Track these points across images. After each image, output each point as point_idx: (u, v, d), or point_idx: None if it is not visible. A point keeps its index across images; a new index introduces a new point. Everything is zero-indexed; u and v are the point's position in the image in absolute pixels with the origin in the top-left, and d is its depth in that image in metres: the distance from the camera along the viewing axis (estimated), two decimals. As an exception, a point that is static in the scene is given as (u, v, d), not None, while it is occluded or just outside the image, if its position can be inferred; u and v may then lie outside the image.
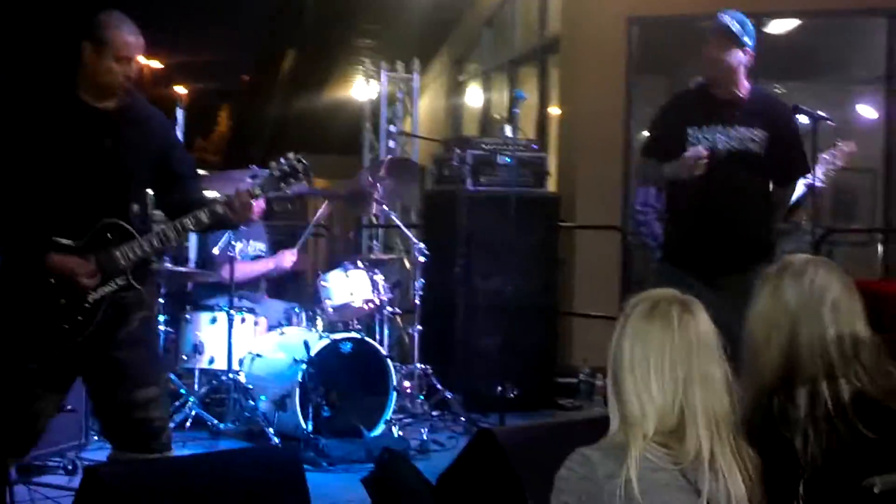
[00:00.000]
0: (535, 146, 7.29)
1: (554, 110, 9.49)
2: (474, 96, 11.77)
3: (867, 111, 9.20)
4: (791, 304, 2.38)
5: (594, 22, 8.60)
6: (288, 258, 6.45)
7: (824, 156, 4.64)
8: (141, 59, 3.61)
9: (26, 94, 3.58)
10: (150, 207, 3.84)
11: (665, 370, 2.14)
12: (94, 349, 3.56)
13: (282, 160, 3.71)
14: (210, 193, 3.92)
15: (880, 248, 8.12)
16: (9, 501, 3.85)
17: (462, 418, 6.20)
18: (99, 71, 3.49)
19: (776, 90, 9.53)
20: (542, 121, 9.38)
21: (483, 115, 11.35)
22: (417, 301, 6.38)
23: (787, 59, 9.18)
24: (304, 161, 3.73)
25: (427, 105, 9.96)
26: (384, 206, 6.63)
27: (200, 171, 7.51)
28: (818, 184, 4.56)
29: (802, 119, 4.75)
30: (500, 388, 6.15)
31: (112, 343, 3.58)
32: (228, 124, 22.18)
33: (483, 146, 6.90)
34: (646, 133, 9.52)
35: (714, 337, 2.20)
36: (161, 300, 5.96)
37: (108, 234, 3.52)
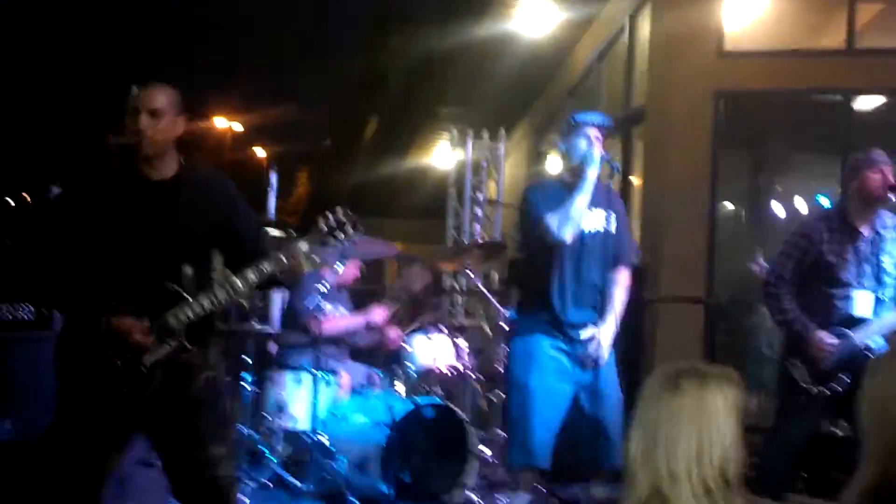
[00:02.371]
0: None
1: (635, 180, 9.48)
2: (555, 165, 11.81)
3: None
4: None
5: (680, 95, 8.60)
6: (379, 313, 6.49)
7: None
8: (223, 122, 3.73)
9: (78, 188, 3.72)
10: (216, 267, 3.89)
11: (679, 439, 2.26)
12: (160, 411, 3.62)
13: (328, 214, 3.76)
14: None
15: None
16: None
17: (542, 488, 6.11)
18: (133, 129, 3.60)
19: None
20: (626, 191, 9.36)
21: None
22: (501, 368, 6.34)
23: (875, 136, 9.10)
24: (350, 215, 3.77)
25: (508, 173, 10.00)
26: (470, 273, 6.65)
27: (277, 232, 7.65)
28: None
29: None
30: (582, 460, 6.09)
31: (178, 404, 3.65)
32: (307, 187, 22.49)
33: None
34: (730, 207, 9.54)
35: (729, 409, 2.29)
36: (246, 359, 6.02)
37: (161, 298, 3.60)
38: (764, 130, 9.63)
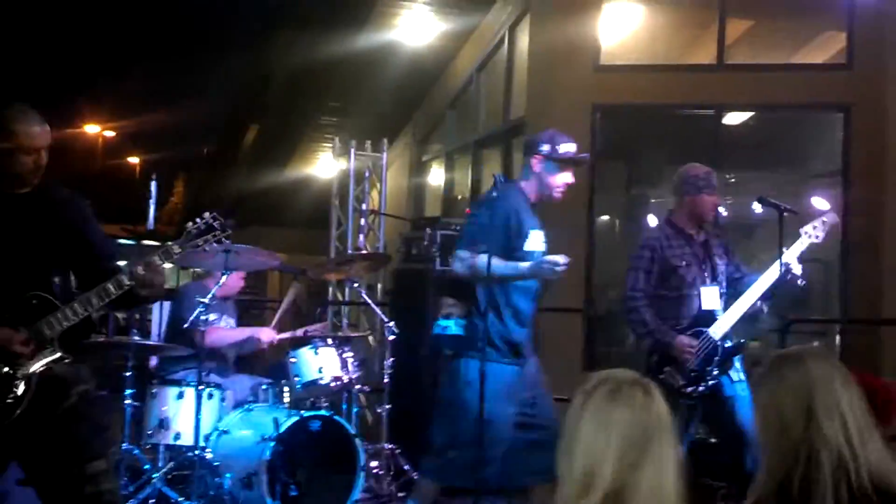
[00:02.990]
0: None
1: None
2: (436, 176, 11.91)
3: (822, 203, 9.44)
4: (802, 393, 2.45)
5: (558, 107, 8.78)
6: (266, 334, 6.45)
7: (805, 230, 4.86)
8: (94, 128, 3.75)
9: None
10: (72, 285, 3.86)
11: (621, 452, 2.20)
12: (34, 427, 3.55)
13: (198, 219, 3.83)
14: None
15: (838, 339, 8.26)
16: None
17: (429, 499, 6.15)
18: (9, 163, 3.60)
19: (731, 181, 9.81)
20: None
21: (445, 194, 11.46)
22: (387, 379, 6.36)
23: (743, 150, 9.44)
24: (220, 219, 3.84)
25: (390, 183, 10.04)
26: (355, 284, 6.66)
27: (153, 242, 7.55)
28: (797, 268, 4.77)
29: (758, 209, 5.03)
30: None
31: (54, 419, 3.59)
32: (183, 196, 22.09)
33: (452, 226, 6.99)
34: (605, 218, 9.76)
35: (670, 419, 2.26)
36: (127, 373, 5.91)
37: (32, 304, 3.58)
38: (638, 143, 9.90)
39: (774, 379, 2.53)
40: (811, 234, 4.98)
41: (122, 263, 3.84)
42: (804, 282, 4.93)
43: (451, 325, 4.80)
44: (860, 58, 8.38)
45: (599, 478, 2.19)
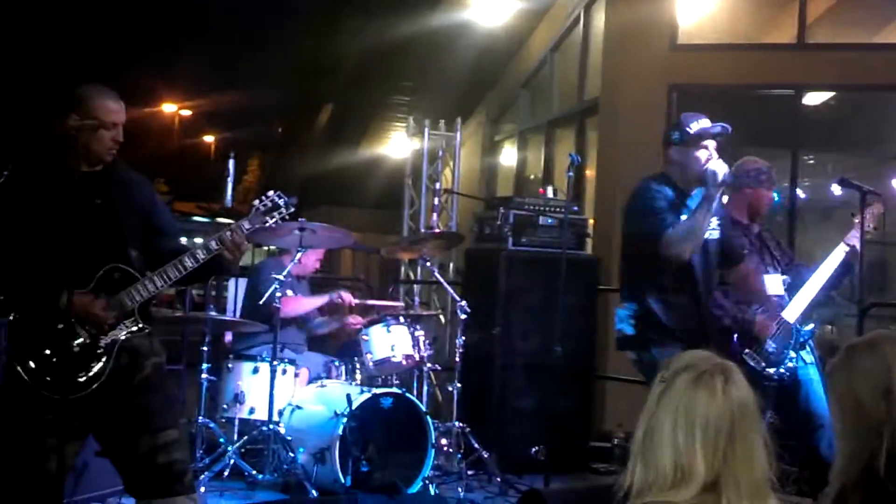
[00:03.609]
0: (575, 208, 7.33)
1: (588, 171, 9.56)
2: (509, 156, 11.87)
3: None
4: (879, 376, 2.43)
5: (633, 87, 8.69)
6: (344, 295, 6.51)
7: (855, 221, 4.80)
8: (171, 107, 3.84)
9: (20, 174, 3.75)
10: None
11: (709, 438, 2.17)
12: (111, 397, 3.62)
13: (263, 197, 3.91)
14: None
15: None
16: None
17: (497, 478, 6.18)
18: (89, 141, 3.68)
19: (809, 162, 9.63)
20: (579, 183, 9.44)
21: (518, 174, 11.43)
22: (458, 358, 6.37)
23: (822, 131, 9.27)
24: (285, 197, 3.90)
25: (462, 163, 10.04)
26: (427, 263, 6.68)
27: (227, 220, 7.64)
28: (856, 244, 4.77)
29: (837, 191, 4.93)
30: (534, 450, 6.20)
31: (128, 390, 3.67)
32: (258, 175, 22.33)
33: (525, 206, 6.97)
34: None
35: (754, 402, 2.23)
36: (204, 348, 6.01)
37: (113, 277, 3.66)
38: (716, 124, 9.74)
39: (849, 366, 2.51)
40: (858, 225, 4.91)
41: (198, 241, 3.91)
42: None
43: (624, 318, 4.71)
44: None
45: (693, 471, 2.16)
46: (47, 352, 3.57)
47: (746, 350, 4.99)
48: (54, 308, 3.57)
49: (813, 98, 9.10)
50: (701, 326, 4.65)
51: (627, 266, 4.90)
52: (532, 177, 11.12)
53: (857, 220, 4.88)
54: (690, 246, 4.47)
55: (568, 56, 10.37)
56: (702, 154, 4.62)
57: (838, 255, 4.88)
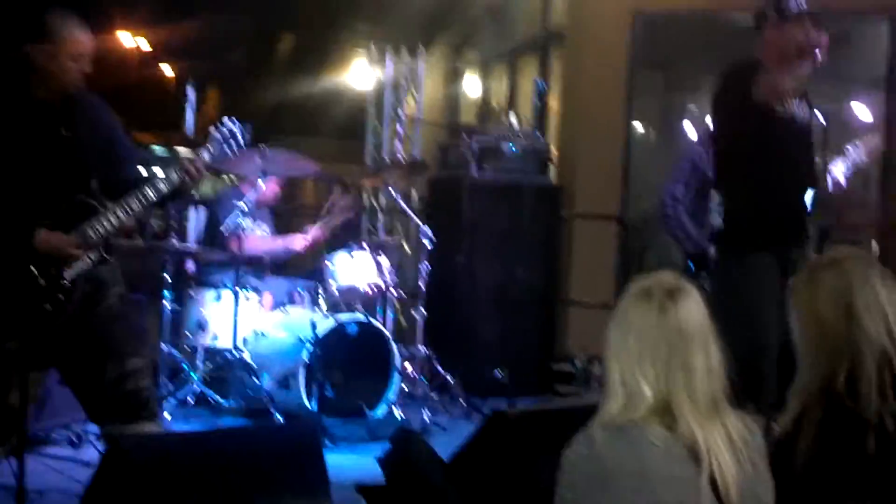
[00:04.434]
0: (538, 136, 7.32)
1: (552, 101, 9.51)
2: (472, 85, 11.78)
3: (864, 112, 9.27)
4: (841, 293, 2.46)
5: (599, 15, 8.62)
6: (299, 241, 6.48)
7: (849, 149, 4.74)
8: (128, 38, 3.79)
9: None
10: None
11: (647, 356, 2.20)
12: (76, 327, 3.63)
13: (219, 124, 3.95)
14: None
15: (874, 245, 8.18)
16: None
17: (462, 402, 6.24)
18: (56, 70, 3.63)
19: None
20: (543, 112, 9.39)
21: (481, 104, 11.36)
22: (422, 286, 6.39)
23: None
24: (238, 124, 3.94)
25: (425, 92, 9.95)
26: (391, 191, 6.66)
27: (185, 150, 7.56)
28: (843, 180, 4.64)
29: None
30: (497, 373, 6.30)
31: (93, 319, 3.68)
32: (217, 104, 22.06)
33: (489, 134, 6.95)
34: (641, 128, 9.64)
35: (700, 325, 2.24)
36: (165, 277, 5.99)
37: (76, 209, 3.62)
38: (680, 51, 9.73)
39: (812, 283, 2.54)
40: (852, 154, 4.85)
41: (156, 170, 3.89)
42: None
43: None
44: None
45: (638, 389, 2.20)
46: (14, 284, 3.55)
47: (702, 273, 5.04)
48: (26, 246, 3.54)
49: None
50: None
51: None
52: (496, 106, 11.06)
53: (849, 148, 4.79)
54: None
55: (532, -18, 10.26)
56: (799, 32, 4.24)
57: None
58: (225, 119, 3.98)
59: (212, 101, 24.07)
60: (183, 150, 9.74)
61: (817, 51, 4.23)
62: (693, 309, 2.25)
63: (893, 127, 8.02)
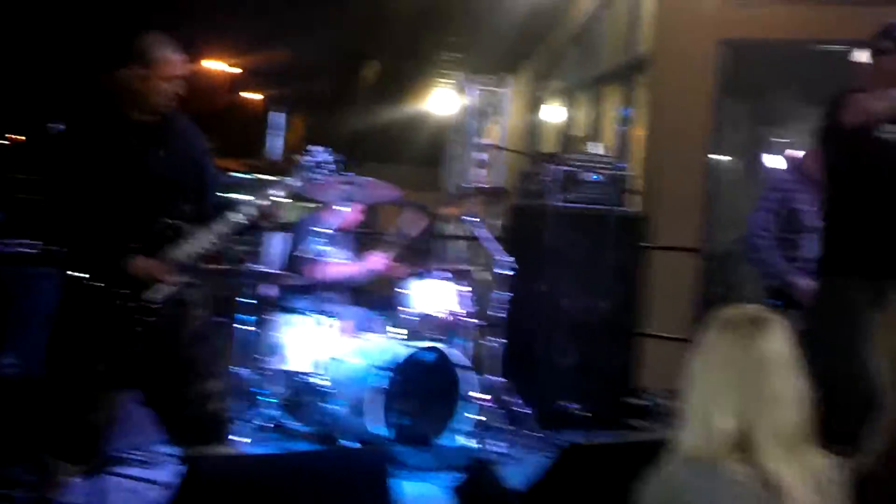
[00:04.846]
0: (621, 165, 7.23)
1: (635, 129, 9.42)
2: (555, 113, 11.74)
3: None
4: None
5: (685, 42, 8.53)
6: (376, 261, 6.47)
7: None
8: (215, 65, 3.85)
9: (81, 123, 3.77)
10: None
11: (730, 386, 2.15)
12: (161, 348, 3.63)
13: (307, 152, 3.99)
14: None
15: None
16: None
17: (537, 434, 6.15)
18: (148, 91, 3.69)
19: None
20: (626, 140, 9.32)
21: (564, 132, 11.30)
22: (502, 315, 6.32)
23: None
24: (328, 153, 3.98)
25: (508, 120, 9.94)
26: (473, 219, 6.62)
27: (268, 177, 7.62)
28: None
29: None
30: (573, 406, 6.22)
31: (179, 341, 3.70)
32: (302, 131, 22.35)
33: (571, 162, 6.88)
34: (728, 158, 9.48)
35: (787, 355, 2.19)
36: (245, 301, 6.02)
37: (167, 234, 3.63)
38: (768, 81, 9.57)
39: None
40: None
41: (239, 197, 3.93)
42: None
43: None
44: None
45: (718, 422, 2.14)
46: (105, 307, 3.58)
47: (790, 311, 4.91)
48: (118, 269, 3.58)
49: (866, 53, 8.86)
50: None
51: None
52: (578, 134, 10.99)
53: None
54: None
55: (618, 10, 10.20)
56: None
57: None
58: (312, 147, 4.00)
59: (296, 127, 24.40)
60: (267, 177, 9.83)
61: None
62: (778, 338, 2.20)
63: None
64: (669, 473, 2.16)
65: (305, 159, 3.97)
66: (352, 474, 3.22)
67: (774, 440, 2.12)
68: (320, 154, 4.00)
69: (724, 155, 8.93)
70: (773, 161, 9.74)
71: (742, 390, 2.14)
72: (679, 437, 2.21)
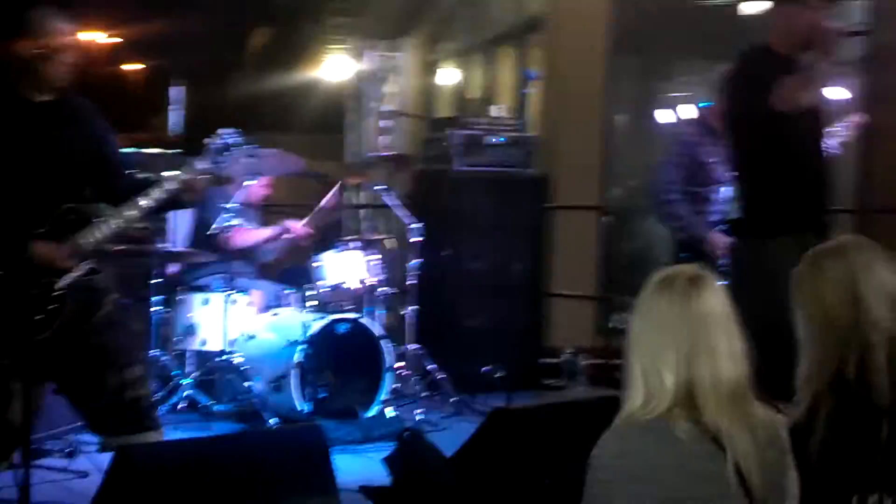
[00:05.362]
0: (522, 126, 7.28)
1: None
2: (449, 76, 11.72)
3: (840, 92, 9.29)
4: (847, 282, 2.45)
5: (576, 1, 8.59)
6: (296, 226, 6.42)
7: (837, 128, 4.73)
8: (93, 36, 3.75)
9: None
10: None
11: (669, 344, 2.20)
12: (73, 337, 3.56)
13: (215, 136, 3.88)
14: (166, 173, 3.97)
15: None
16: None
17: (453, 399, 6.21)
18: (41, 67, 3.55)
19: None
20: (521, 100, 9.35)
21: (459, 94, 11.30)
22: (411, 281, 6.35)
23: (763, 39, 9.27)
24: (234, 135, 3.89)
25: (402, 83, 9.89)
26: (378, 188, 6.62)
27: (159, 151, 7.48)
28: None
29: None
30: (485, 369, 6.30)
31: (90, 328, 3.61)
32: (187, 102, 21.82)
33: (473, 126, 6.91)
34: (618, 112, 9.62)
35: (724, 312, 2.25)
36: (153, 281, 5.92)
37: (70, 219, 3.55)
38: (656, 35, 9.73)
39: (816, 272, 2.53)
40: (843, 132, 4.84)
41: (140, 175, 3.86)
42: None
43: None
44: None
45: (660, 381, 2.20)
46: (5, 297, 3.48)
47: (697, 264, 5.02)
48: (19, 257, 3.46)
49: (752, 7, 9.08)
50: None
51: None
52: (473, 97, 11.01)
53: (840, 128, 4.75)
54: None
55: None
56: (812, 16, 4.10)
57: None
58: (221, 130, 3.93)
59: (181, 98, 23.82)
60: (168, 151, 9.61)
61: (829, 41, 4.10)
62: (716, 295, 2.27)
63: (871, 106, 8.03)
64: (618, 434, 2.21)
65: (214, 142, 3.89)
66: (291, 454, 3.22)
67: (716, 395, 2.18)
68: (229, 136, 3.93)
69: (619, 112, 9.05)
70: (667, 115, 9.94)
71: (683, 348, 2.20)
72: (625, 398, 2.26)
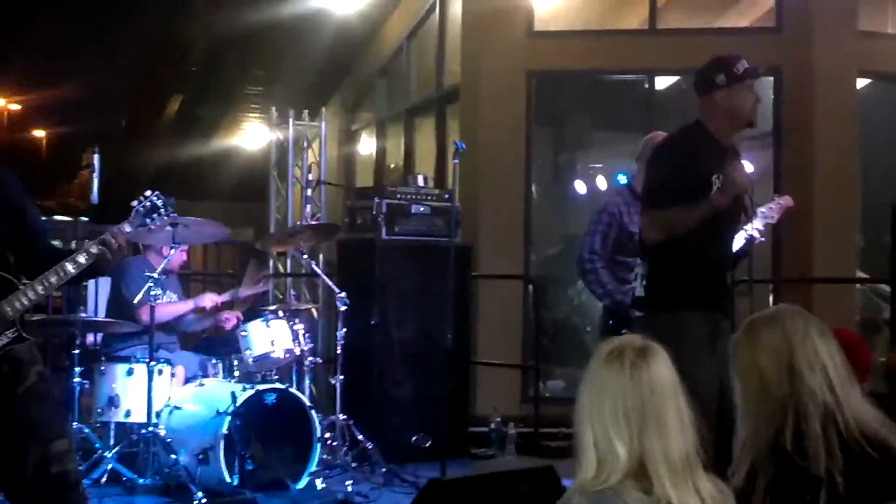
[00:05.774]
0: (447, 196, 7.34)
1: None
2: (367, 145, 11.81)
3: (750, 167, 9.55)
4: (782, 351, 2.49)
5: (492, 74, 8.76)
6: (208, 299, 6.34)
7: (762, 210, 4.80)
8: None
9: None
10: None
11: (621, 416, 2.22)
12: None
13: (142, 198, 3.87)
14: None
15: (771, 299, 8.40)
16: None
17: (382, 469, 6.15)
18: None
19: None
20: (441, 170, 9.47)
21: (377, 163, 11.38)
22: (339, 351, 6.31)
23: (675, 114, 9.54)
24: (162, 197, 3.89)
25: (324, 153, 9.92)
26: (305, 256, 6.59)
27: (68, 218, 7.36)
28: (758, 237, 4.67)
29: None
30: (414, 438, 6.27)
31: (13, 401, 3.50)
32: (99, 168, 21.53)
33: (398, 195, 6.94)
34: (538, 185, 9.77)
35: (670, 381, 2.28)
36: (75, 351, 5.77)
37: None
38: (572, 109, 9.95)
39: (752, 341, 2.57)
40: (767, 214, 4.91)
41: (56, 243, 3.78)
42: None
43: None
44: (789, 20, 8.51)
45: (612, 451, 2.21)
46: None
47: (623, 331, 5.07)
48: None
49: (664, 82, 9.36)
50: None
51: None
52: (392, 165, 11.10)
53: (763, 211, 4.82)
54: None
55: (425, 43, 10.38)
56: (749, 96, 4.24)
57: (738, 242, 4.85)
58: (148, 192, 3.91)
59: (87, 164, 23.49)
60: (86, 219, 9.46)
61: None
62: (663, 366, 2.29)
63: (781, 181, 8.29)
64: None
65: (139, 204, 3.86)
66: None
67: (666, 465, 2.20)
68: (157, 198, 3.90)
69: (537, 182, 9.20)
70: (581, 186, 10.13)
71: (633, 419, 2.21)
72: (576, 469, 2.27)
